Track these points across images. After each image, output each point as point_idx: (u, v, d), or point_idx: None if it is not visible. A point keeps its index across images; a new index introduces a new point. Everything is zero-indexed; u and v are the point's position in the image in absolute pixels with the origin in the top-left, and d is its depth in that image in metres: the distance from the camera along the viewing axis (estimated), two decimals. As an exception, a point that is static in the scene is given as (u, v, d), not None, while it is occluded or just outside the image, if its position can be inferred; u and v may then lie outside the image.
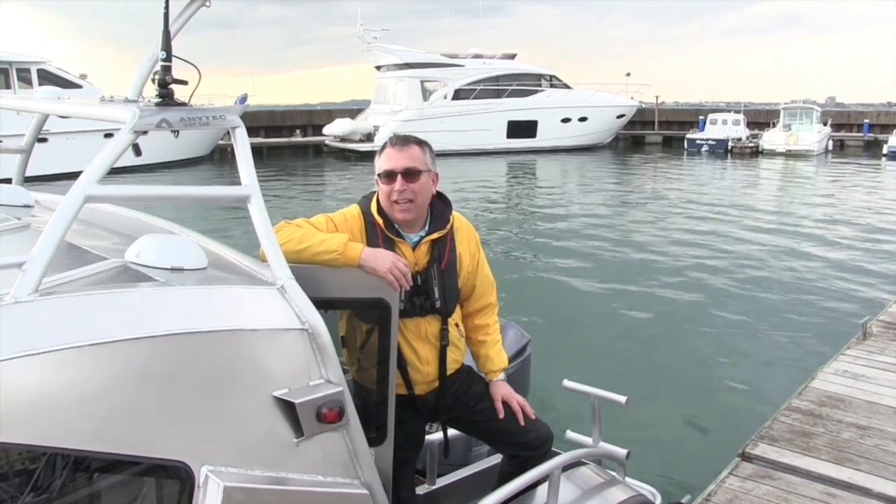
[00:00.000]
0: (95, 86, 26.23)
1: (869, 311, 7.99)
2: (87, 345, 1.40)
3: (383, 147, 2.40)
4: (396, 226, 2.37)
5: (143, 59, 2.27)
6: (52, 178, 13.49)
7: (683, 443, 5.88)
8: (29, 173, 2.76)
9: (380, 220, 2.35)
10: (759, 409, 5.82)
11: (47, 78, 24.71)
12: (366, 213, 2.38)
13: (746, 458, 4.53)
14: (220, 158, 32.29)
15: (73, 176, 1.61)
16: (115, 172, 1.66)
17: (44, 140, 20.58)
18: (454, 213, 2.49)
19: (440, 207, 2.45)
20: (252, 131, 35.93)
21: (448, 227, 2.43)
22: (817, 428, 4.88)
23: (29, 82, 24.51)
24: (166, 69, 1.87)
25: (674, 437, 5.97)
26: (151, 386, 1.49)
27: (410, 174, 2.31)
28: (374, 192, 2.42)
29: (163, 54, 1.89)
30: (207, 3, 2.14)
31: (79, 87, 25.58)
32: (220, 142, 31.82)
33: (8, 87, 24.38)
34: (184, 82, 1.91)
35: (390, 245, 2.32)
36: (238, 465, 1.61)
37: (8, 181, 2.60)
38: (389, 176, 2.32)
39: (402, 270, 2.09)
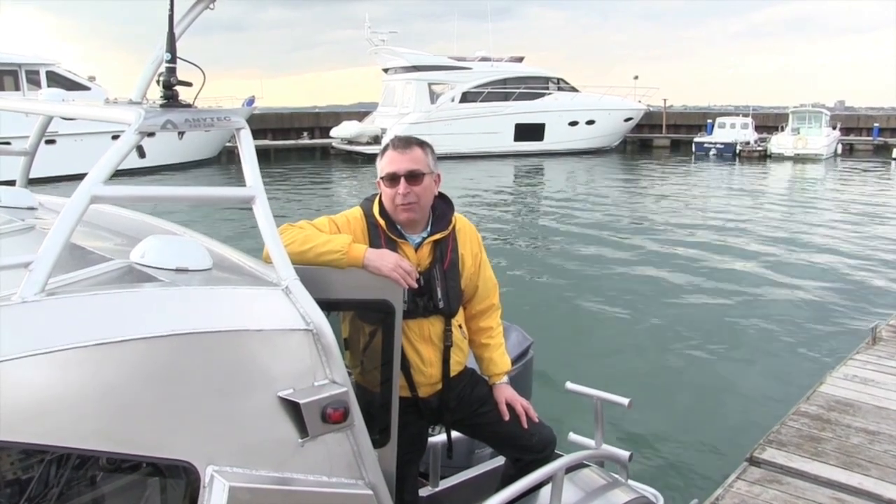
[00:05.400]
0: (103, 88, 26.35)
1: (879, 315, 7.94)
2: (93, 344, 1.40)
3: (385, 149, 2.39)
4: (399, 227, 2.38)
5: (147, 60, 2.27)
6: (61, 180, 13.59)
7: (690, 446, 5.85)
8: (37, 174, 2.76)
9: (382, 222, 2.36)
10: (767, 414, 5.79)
11: (56, 80, 24.85)
12: (368, 215, 2.39)
13: (754, 462, 4.50)
14: (227, 160, 32.42)
15: (81, 177, 1.61)
16: (122, 175, 1.66)
17: (52, 142, 20.76)
18: (456, 214, 2.49)
19: (442, 208, 2.46)
20: (259, 133, 36.29)
21: (450, 227, 2.44)
22: (826, 433, 4.85)
23: (38, 84, 24.62)
24: (171, 71, 1.86)
25: (680, 440, 5.94)
26: (157, 386, 1.49)
27: (413, 177, 2.32)
28: (377, 193, 2.42)
29: (167, 56, 1.88)
30: (212, 6, 2.14)
31: (87, 88, 25.70)
32: (227, 144, 31.92)
33: (17, 88, 24.53)
34: (188, 84, 1.91)
35: (393, 246, 2.32)
36: (243, 465, 1.61)
37: (13, 183, 2.61)
38: (392, 179, 2.32)
39: (406, 269, 2.09)
